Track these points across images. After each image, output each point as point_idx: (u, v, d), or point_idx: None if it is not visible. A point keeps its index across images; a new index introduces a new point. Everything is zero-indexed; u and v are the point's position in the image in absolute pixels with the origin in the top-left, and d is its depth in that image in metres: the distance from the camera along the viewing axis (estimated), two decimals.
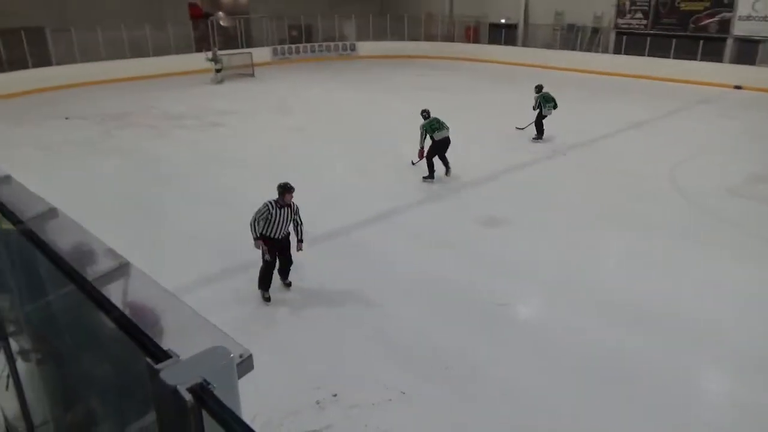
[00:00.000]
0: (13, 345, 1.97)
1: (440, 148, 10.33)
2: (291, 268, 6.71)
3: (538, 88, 13.13)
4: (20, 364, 1.95)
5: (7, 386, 2.03)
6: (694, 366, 5.54)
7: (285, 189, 6.26)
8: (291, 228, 6.44)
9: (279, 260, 6.52)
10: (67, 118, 15.85)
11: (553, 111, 12.92)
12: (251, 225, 6.28)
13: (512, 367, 5.43)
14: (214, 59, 21.39)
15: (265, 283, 6.48)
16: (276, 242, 6.34)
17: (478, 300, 6.52)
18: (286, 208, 6.30)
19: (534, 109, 13.14)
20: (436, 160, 10.42)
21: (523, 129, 13.67)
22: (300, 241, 6.50)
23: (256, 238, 6.31)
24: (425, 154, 10.40)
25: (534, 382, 5.21)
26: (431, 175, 10.46)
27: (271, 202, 6.28)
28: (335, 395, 4.96)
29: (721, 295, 6.64)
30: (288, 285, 6.78)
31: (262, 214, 6.23)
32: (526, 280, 7.10)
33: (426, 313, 6.30)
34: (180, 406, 0.76)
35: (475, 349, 5.66)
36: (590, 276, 7.12)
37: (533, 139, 13.26)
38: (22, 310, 1.90)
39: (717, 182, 10.40)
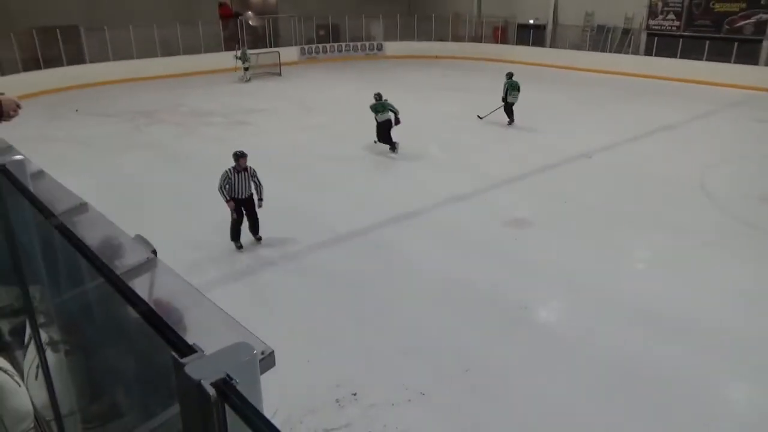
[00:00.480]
0: (43, 336, 2.02)
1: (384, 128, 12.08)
2: (259, 226, 7.87)
3: (509, 75, 14.22)
4: (49, 355, 1.99)
5: (36, 376, 2.08)
6: (720, 373, 5.41)
7: (239, 156, 7.45)
8: (253, 189, 7.60)
9: (247, 218, 7.73)
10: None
11: (517, 98, 14.19)
12: (219, 190, 7.50)
13: (533, 371, 5.37)
14: (243, 57, 21.69)
15: (234, 235, 7.74)
16: (241, 202, 7.56)
17: (501, 302, 6.47)
18: (243, 172, 7.49)
19: (503, 98, 14.27)
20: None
21: (482, 118, 14.83)
22: (260, 200, 7.66)
23: (227, 201, 7.49)
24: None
25: (554, 385, 5.15)
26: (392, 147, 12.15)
27: (229, 169, 7.50)
28: (355, 394, 4.97)
29: (749, 304, 6.47)
30: (258, 240, 7.92)
31: (224, 179, 7.43)
32: (549, 283, 7.01)
33: (447, 314, 6.27)
34: (204, 400, 0.76)
35: (496, 352, 5.61)
36: (615, 280, 7.01)
37: (507, 124, 14.46)
38: (52, 302, 1.94)
39: (748, 188, 10.14)
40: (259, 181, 7.66)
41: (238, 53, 21.92)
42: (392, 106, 12.07)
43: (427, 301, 6.54)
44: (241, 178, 7.49)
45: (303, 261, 7.51)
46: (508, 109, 14.40)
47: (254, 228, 7.89)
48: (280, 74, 23.09)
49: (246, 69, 21.76)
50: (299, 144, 13.27)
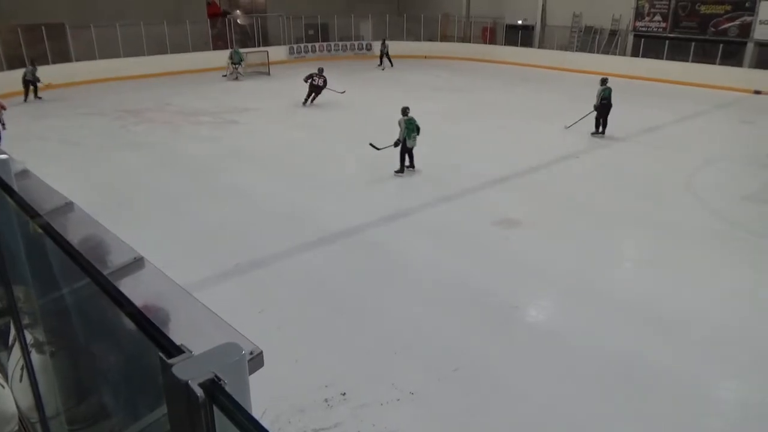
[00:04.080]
0: (28, 337, 1.99)
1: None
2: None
3: (603, 81, 13.28)
4: (34, 356, 1.97)
5: (21, 378, 2.06)
6: (710, 373, 5.47)
7: None
8: None
9: None
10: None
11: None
12: None
13: (523, 370, 5.40)
14: (236, 57, 21.96)
15: None
16: None
17: (491, 301, 6.49)
18: None
19: (595, 106, 13.39)
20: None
21: (569, 127, 13.91)
22: None
23: None
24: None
25: (544, 385, 5.18)
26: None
27: None
28: (344, 394, 4.97)
29: (736, 302, 6.55)
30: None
31: None
32: (539, 282, 7.06)
33: (437, 313, 6.28)
34: (191, 400, 0.76)
35: (487, 351, 5.64)
36: (604, 279, 7.06)
37: (593, 134, 13.62)
38: (37, 303, 1.92)
39: (734, 188, 10.26)
40: None
41: (233, 55, 22.14)
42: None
43: (416, 300, 6.54)
44: None
45: (292, 260, 7.49)
46: (601, 116, 13.39)
47: None
48: (269, 73, 23.02)
49: (236, 66, 21.89)
50: (288, 143, 13.23)
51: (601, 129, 13.58)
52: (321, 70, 17.00)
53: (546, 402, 4.97)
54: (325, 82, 16.95)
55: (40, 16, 19.80)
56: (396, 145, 10.47)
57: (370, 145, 11.04)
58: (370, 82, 22.13)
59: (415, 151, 10.74)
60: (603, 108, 13.36)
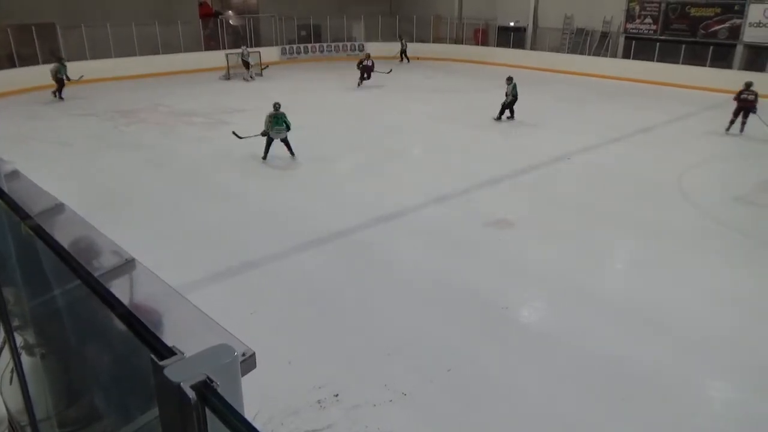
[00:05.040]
0: (18, 339, 1.98)
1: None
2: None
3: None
4: (24, 359, 1.95)
5: (11, 380, 2.04)
6: (698, 373, 5.51)
7: None
8: None
9: None
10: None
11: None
12: None
13: (515, 371, 5.41)
14: (244, 57, 22.19)
15: None
16: None
17: (483, 302, 6.51)
18: None
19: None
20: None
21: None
22: None
23: None
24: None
25: (536, 386, 5.19)
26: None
27: None
28: (337, 395, 4.96)
29: (726, 303, 6.61)
30: None
31: None
32: (530, 283, 7.08)
33: (429, 314, 6.29)
34: (183, 403, 0.76)
35: (478, 352, 5.65)
36: (595, 281, 7.10)
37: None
38: (27, 305, 1.91)
39: (724, 190, 10.35)
40: None
41: (244, 52, 22.20)
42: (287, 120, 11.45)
43: (409, 301, 6.55)
44: None
45: (285, 262, 7.47)
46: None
47: None
48: (261, 74, 22.96)
49: (248, 67, 22.09)
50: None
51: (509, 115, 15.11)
52: (368, 56, 20.78)
53: (538, 402, 4.99)
54: (373, 64, 20.56)
55: (30, 16, 19.66)
56: (263, 135, 11.50)
57: (233, 133, 12.04)
58: (364, 83, 22.11)
59: (408, 154, 10.76)
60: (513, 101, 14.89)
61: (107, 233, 1.47)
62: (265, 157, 11.62)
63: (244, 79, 21.93)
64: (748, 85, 13.81)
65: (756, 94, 13.69)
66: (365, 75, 20.48)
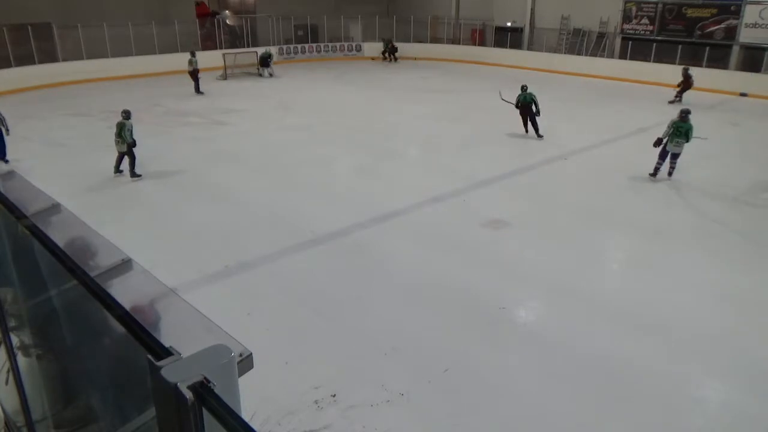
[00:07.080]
0: (14, 340, 1.97)
1: None
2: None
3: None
4: (21, 359, 1.95)
5: (6, 381, 2.03)
6: (694, 373, 5.52)
7: None
8: None
9: None
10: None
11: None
12: None
13: (511, 371, 5.42)
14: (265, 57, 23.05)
15: None
16: None
17: (479, 303, 6.51)
18: None
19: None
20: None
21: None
22: None
23: None
24: None
25: (533, 386, 5.20)
26: None
27: None
28: (334, 395, 4.96)
29: (723, 302, 6.63)
30: None
31: None
32: (527, 283, 7.09)
33: (426, 314, 6.29)
34: (181, 403, 0.76)
35: (475, 353, 5.65)
36: (592, 280, 7.11)
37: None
38: (24, 305, 1.90)
39: (721, 189, 10.37)
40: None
41: (267, 52, 23.14)
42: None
43: (406, 301, 6.55)
44: None
45: (281, 262, 7.47)
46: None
47: None
48: (258, 74, 22.94)
49: (267, 66, 22.90)
50: (278, 144, 13.19)
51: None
52: (389, 40, 27.27)
53: (534, 402, 4.99)
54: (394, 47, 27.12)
55: (26, 15, 19.60)
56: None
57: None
58: (361, 84, 22.12)
59: (405, 154, 10.75)
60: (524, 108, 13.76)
61: (103, 233, 1.47)
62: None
63: (259, 75, 22.93)
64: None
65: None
66: (389, 54, 27.47)
